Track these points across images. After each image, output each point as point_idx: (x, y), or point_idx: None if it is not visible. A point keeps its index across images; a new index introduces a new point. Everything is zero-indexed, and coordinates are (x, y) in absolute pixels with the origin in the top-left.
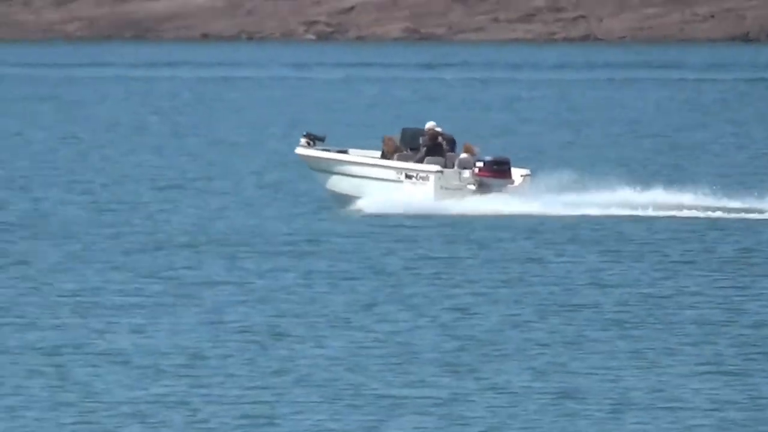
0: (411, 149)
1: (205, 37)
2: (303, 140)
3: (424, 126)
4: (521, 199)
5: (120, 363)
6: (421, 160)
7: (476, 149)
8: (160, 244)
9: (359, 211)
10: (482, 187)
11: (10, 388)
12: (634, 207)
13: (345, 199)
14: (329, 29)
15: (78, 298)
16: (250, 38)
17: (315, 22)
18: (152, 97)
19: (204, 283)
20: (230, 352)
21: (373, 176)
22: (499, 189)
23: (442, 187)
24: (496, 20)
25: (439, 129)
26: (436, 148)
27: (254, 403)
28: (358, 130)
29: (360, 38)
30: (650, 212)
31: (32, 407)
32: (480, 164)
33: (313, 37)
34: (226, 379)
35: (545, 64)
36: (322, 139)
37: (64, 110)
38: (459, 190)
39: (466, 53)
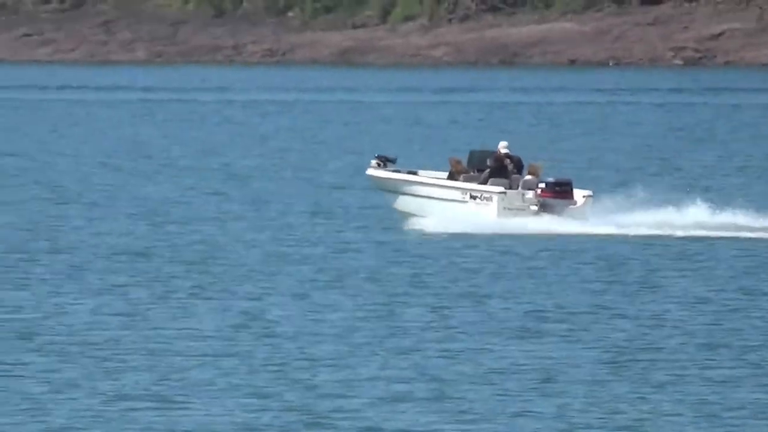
0: (478, 171)
1: (573, 62)
2: (374, 162)
3: (497, 147)
4: (582, 220)
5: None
6: (485, 182)
7: (540, 169)
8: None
9: (425, 230)
10: (544, 208)
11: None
12: None
13: (414, 219)
14: (697, 55)
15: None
16: (617, 64)
17: (683, 48)
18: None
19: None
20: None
21: (439, 197)
22: (561, 210)
23: (505, 208)
24: None
25: (506, 151)
26: (501, 170)
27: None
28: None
29: (728, 63)
30: None
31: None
32: (542, 185)
33: (680, 62)
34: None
35: None
36: (393, 161)
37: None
38: (522, 211)
39: None
